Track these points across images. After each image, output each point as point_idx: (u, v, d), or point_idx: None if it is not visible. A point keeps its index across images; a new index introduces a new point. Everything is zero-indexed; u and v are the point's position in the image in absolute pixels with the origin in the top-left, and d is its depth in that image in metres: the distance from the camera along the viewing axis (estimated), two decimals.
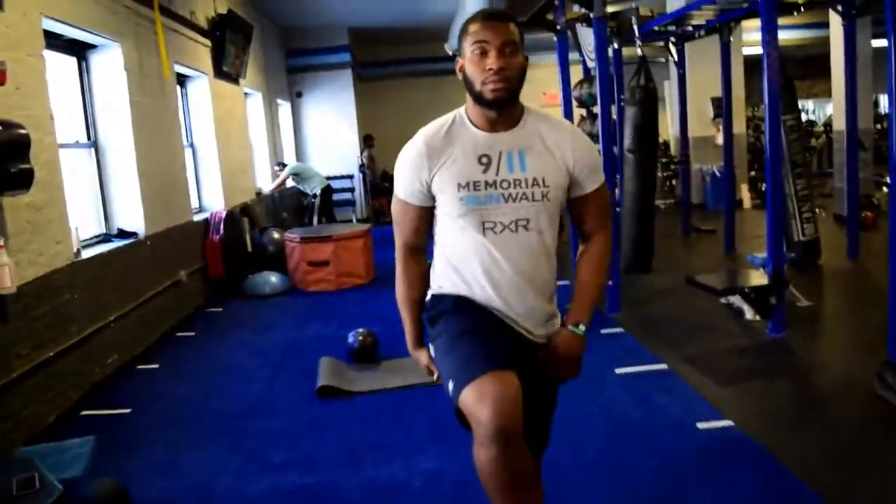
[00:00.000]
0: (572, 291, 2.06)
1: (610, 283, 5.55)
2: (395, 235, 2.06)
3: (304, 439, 3.67)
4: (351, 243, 7.37)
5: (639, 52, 6.44)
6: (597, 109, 8.30)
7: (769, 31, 4.48)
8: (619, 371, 4.27)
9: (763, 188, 11.71)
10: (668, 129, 12.62)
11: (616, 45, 7.35)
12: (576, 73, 7.79)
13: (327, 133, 13.32)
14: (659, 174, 10.50)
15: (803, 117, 15.29)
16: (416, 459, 3.30)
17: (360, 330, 4.86)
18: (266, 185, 10.22)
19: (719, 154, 10.55)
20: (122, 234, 5.51)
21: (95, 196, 5.55)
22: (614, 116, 6.97)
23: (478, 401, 1.69)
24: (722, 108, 10.28)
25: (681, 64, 8.35)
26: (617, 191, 6.39)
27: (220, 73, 8.10)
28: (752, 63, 10.07)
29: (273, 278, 7.42)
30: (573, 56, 7.98)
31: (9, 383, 3.65)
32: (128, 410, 4.22)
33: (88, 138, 5.48)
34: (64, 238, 4.41)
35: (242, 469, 3.34)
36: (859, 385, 3.78)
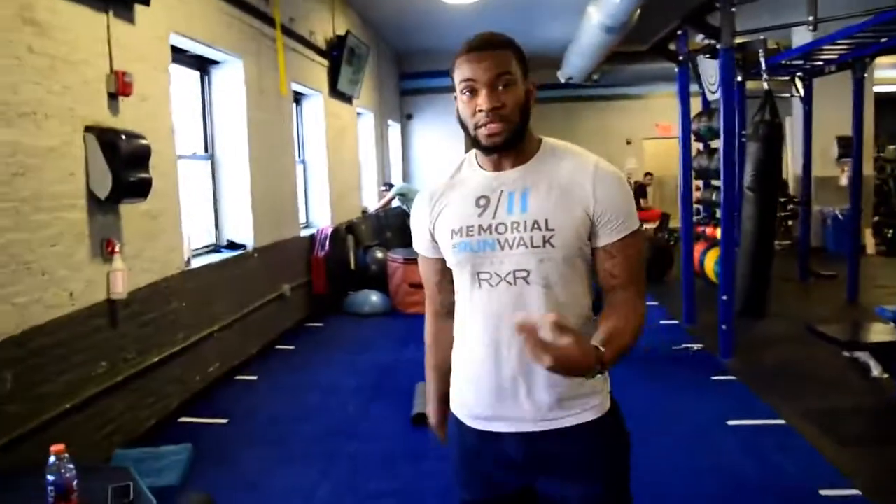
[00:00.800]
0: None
1: (723, 326, 5.24)
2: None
3: (399, 467, 3.59)
4: None
5: (765, 85, 6.13)
6: (715, 144, 8.01)
7: None
8: (731, 423, 3.99)
9: (889, 234, 11.00)
10: (789, 167, 12.03)
11: (740, 78, 7.03)
12: (693, 106, 7.49)
13: (434, 155, 13.39)
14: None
15: None
16: None
17: None
18: (372, 203, 10.33)
19: (841, 195, 10.00)
20: (232, 245, 5.63)
21: (208, 207, 5.70)
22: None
23: None
24: (849, 147, 9.81)
25: (807, 100, 7.92)
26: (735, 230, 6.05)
27: (334, 92, 8.25)
28: (881, 102, 9.52)
29: (374, 297, 7.44)
30: (692, 88, 7.70)
31: (114, 386, 3.73)
32: (224, 421, 4.27)
33: (206, 151, 5.64)
34: (176, 247, 4.52)
35: (334, 494, 3.29)
36: None
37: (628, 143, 15.52)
